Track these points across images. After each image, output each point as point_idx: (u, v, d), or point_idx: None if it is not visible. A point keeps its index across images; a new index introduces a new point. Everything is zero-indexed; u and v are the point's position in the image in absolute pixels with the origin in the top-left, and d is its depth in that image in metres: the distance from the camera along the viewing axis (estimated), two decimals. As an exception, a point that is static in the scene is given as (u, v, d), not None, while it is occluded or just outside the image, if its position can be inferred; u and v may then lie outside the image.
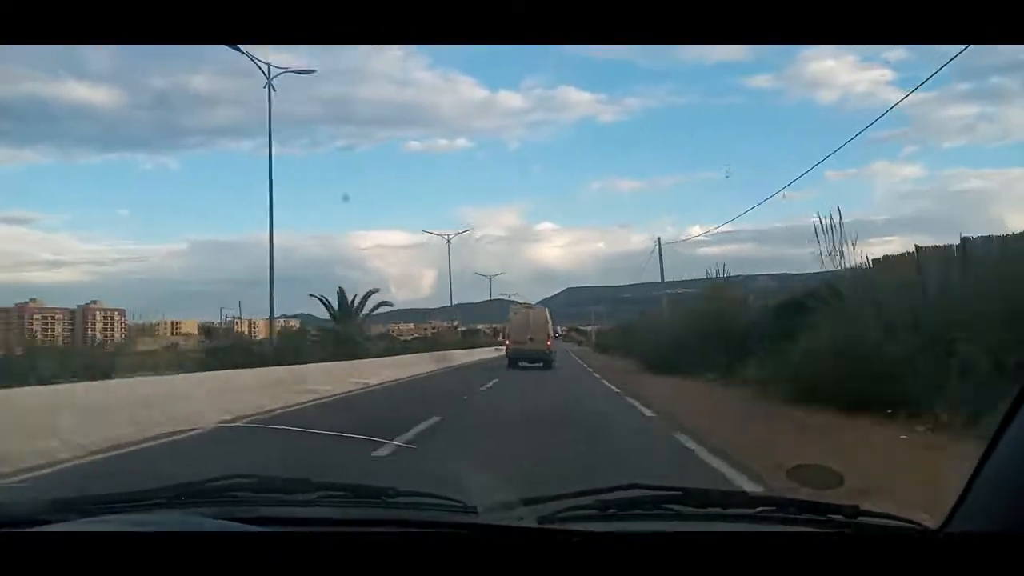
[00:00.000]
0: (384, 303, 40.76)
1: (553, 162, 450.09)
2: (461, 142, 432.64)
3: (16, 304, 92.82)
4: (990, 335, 8.04)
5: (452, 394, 16.57)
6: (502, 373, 24.39)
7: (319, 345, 30.40)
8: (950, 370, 8.28)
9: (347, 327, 36.22)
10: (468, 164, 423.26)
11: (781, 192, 35.39)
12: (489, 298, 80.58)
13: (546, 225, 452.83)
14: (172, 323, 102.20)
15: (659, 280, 42.19)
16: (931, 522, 1.42)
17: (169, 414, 9.85)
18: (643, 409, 12.41)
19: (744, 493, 1.75)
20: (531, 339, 29.00)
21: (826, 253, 13.69)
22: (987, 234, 10.96)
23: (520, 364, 28.10)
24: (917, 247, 11.69)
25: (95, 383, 11.89)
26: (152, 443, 8.63)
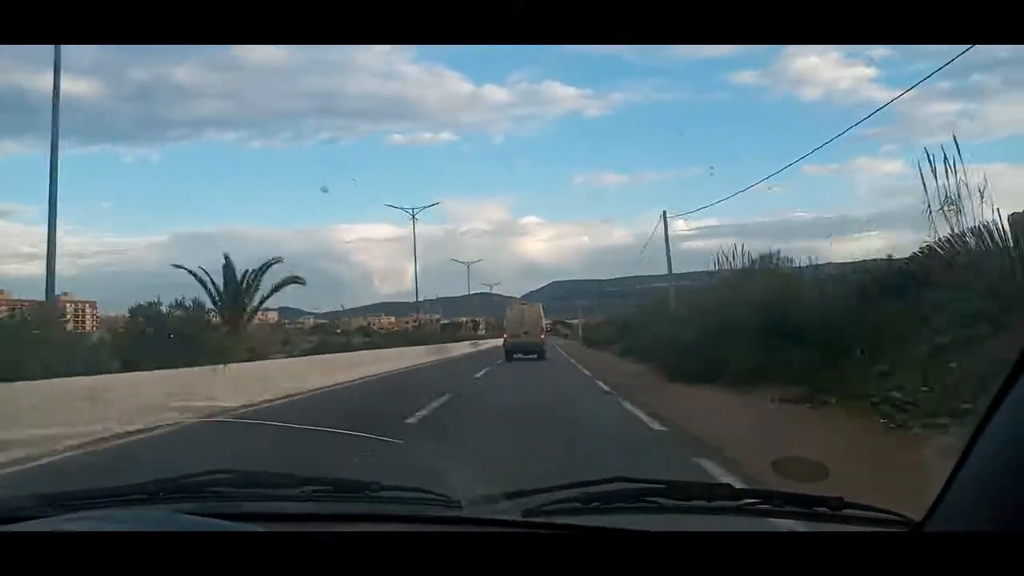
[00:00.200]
0: (294, 279, 30.69)
1: (538, 156, 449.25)
2: (446, 136, 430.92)
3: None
4: None
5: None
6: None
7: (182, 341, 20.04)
8: None
9: (232, 312, 27.72)
10: (453, 158, 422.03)
11: (765, 183, 34.35)
12: (468, 291, 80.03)
13: (531, 219, 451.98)
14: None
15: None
16: (914, 515, 1.43)
17: None
18: None
19: (728, 486, 1.75)
20: (526, 333, 32.02)
21: (934, 207, 9.72)
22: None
23: (515, 356, 30.64)
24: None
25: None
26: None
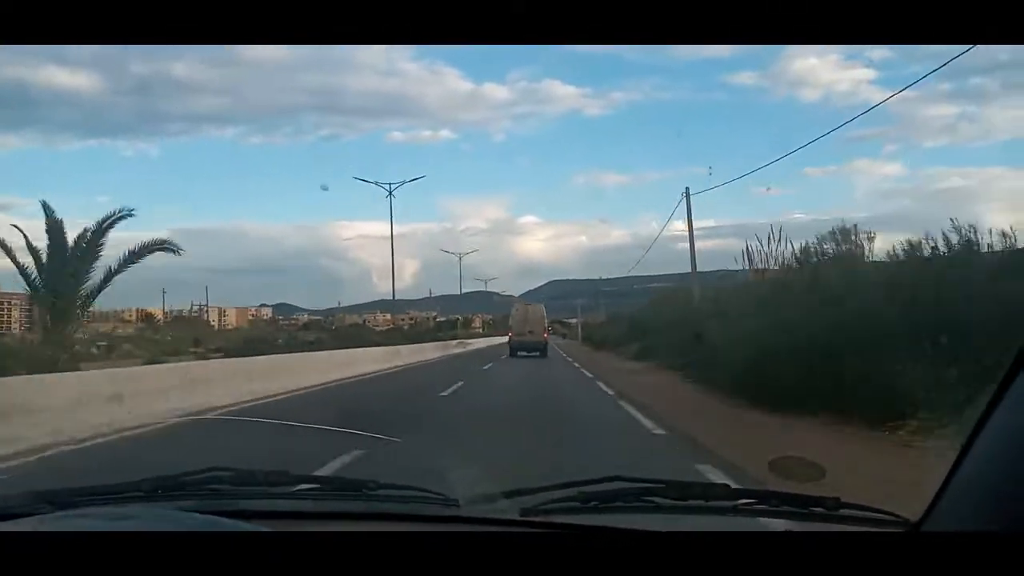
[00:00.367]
0: (164, 245, 20.90)
1: (538, 155, 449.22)
2: (445, 133, 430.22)
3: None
4: None
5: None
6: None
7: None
8: None
9: (60, 286, 18.42)
10: (452, 156, 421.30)
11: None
12: (460, 286, 79.60)
13: (529, 218, 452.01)
14: (138, 310, 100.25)
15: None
16: (911, 515, 1.43)
17: None
18: None
19: (726, 486, 1.75)
20: (530, 332, 33.95)
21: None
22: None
23: (519, 353, 32.20)
24: None
25: None
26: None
